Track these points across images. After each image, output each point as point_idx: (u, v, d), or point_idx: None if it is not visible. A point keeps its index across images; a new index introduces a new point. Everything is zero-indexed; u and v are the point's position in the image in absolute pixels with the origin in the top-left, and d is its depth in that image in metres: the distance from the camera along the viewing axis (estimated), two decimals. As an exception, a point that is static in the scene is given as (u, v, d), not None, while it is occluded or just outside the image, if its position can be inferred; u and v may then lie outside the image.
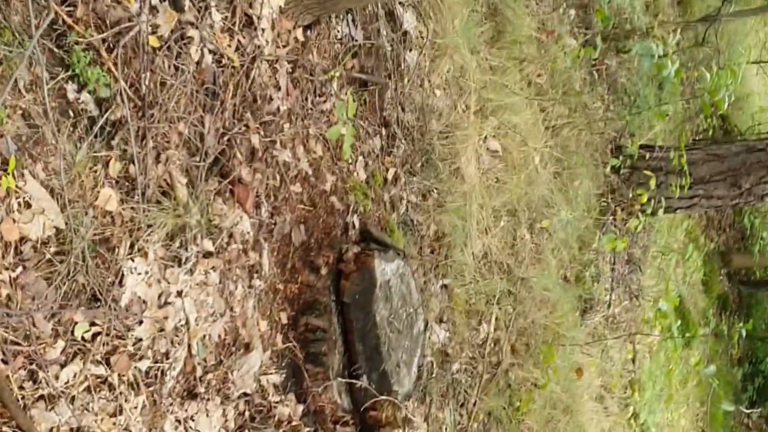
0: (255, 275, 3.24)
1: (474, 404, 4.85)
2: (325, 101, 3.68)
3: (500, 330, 5.23)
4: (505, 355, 5.22)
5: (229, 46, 3.16)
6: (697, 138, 8.98)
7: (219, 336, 3.04)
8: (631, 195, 6.97)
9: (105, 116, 2.60)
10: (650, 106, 7.03)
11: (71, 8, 2.56)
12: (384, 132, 4.16)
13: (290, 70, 3.48)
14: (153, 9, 2.83)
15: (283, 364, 3.35)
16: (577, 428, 6.12)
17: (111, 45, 2.65)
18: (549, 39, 5.98)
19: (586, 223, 6.65)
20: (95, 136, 2.58)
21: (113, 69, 2.62)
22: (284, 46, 3.45)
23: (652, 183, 6.69)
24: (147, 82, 2.77)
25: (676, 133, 8.39)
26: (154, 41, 2.82)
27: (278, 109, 3.40)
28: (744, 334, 7.20)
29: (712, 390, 7.64)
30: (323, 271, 3.53)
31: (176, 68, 2.91)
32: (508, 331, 5.28)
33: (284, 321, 3.39)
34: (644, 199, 6.80)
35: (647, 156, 6.95)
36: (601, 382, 6.77)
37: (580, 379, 6.08)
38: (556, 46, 6.05)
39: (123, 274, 2.63)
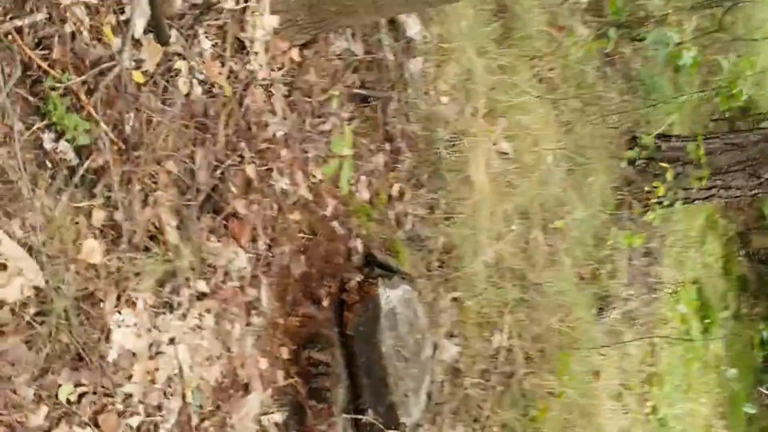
0: (253, 312, 3.11)
1: (487, 418, 4.72)
2: (324, 122, 3.53)
3: (513, 338, 5.08)
4: (519, 364, 5.08)
5: (220, 74, 3.01)
6: (714, 118, 8.74)
7: (216, 380, 2.92)
8: (647, 188, 6.78)
9: (86, 164, 2.47)
10: (666, 97, 6.82)
11: (46, 51, 2.41)
12: (388, 147, 4.00)
13: (286, 93, 3.33)
14: (137, 43, 2.68)
15: (285, 402, 3.22)
16: (596, 431, 5.99)
17: (91, 87, 2.51)
18: (560, 34, 5.79)
19: (602, 218, 6.47)
20: (76, 186, 2.45)
21: (93, 113, 2.48)
22: (279, 69, 3.29)
23: (669, 175, 6.50)
24: (131, 123, 2.63)
25: (693, 117, 8.16)
26: (138, 77, 2.67)
27: (274, 135, 3.25)
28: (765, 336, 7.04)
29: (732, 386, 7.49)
30: (325, 302, 3.40)
31: (163, 103, 2.76)
32: (521, 339, 5.14)
33: (285, 356, 3.26)
34: (661, 191, 6.60)
35: (663, 146, 6.76)
36: (619, 381, 6.63)
37: (597, 382, 5.95)
38: (568, 39, 5.84)
39: (110, 329, 2.50)
